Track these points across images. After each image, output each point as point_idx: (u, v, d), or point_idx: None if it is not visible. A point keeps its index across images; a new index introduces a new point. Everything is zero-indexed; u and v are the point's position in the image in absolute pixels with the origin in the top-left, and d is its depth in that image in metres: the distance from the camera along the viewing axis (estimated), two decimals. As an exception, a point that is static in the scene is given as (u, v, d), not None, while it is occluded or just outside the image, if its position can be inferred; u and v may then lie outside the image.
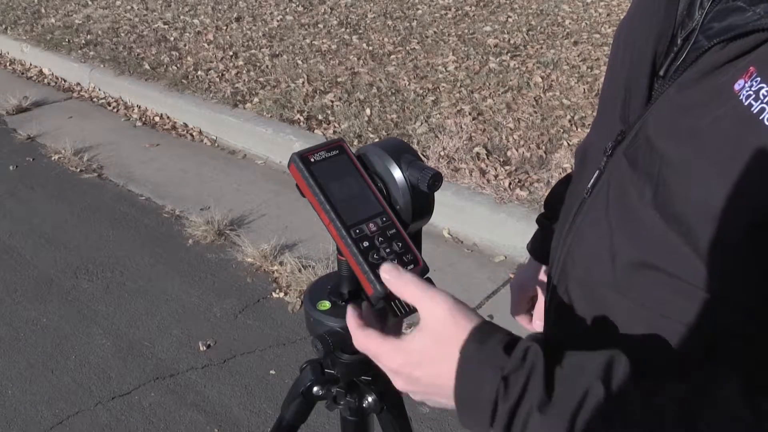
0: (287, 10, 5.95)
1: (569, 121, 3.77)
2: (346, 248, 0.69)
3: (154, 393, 2.35)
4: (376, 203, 0.72)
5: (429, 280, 0.72)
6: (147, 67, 4.93)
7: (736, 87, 0.57)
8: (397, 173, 0.74)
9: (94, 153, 4.11)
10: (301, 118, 4.04)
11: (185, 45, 5.30)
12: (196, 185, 3.73)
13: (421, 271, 0.71)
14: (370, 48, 5.01)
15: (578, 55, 4.63)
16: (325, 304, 0.83)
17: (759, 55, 0.57)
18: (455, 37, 5.12)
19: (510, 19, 5.43)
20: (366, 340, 0.66)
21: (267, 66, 4.83)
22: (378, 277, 0.68)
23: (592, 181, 0.75)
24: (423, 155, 3.50)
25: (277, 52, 5.05)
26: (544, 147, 3.52)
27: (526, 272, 1.12)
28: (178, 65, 4.93)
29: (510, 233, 2.95)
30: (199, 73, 4.77)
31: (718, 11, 0.64)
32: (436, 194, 0.76)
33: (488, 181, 3.23)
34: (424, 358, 0.62)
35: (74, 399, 2.33)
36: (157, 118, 4.56)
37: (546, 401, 0.56)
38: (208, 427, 2.21)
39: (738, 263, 0.60)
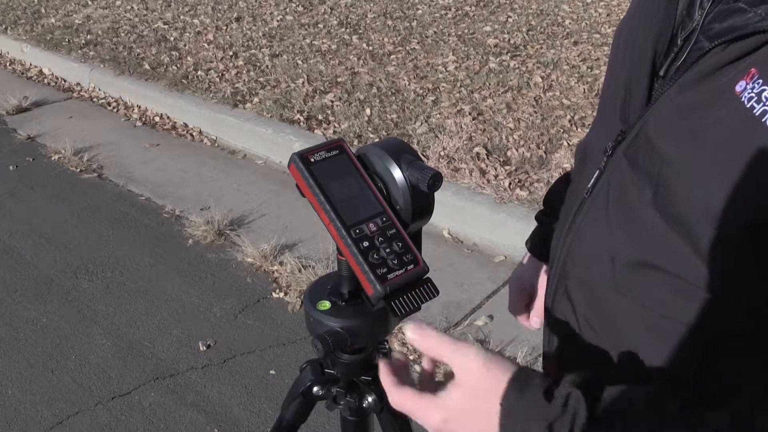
0: (287, 10, 5.95)
1: (569, 121, 3.77)
2: (346, 248, 0.69)
3: (154, 393, 2.35)
4: (376, 203, 0.72)
5: (429, 281, 0.72)
6: (147, 67, 4.93)
7: (738, 88, 0.57)
8: (397, 173, 0.74)
9: (94, 153, 4.11)
10: (301, 118, 4.04)
11: (185, 45, 5.30)
12: (196, 185, 3.73)
13: (421, 271, 0.71)
14: (370, 48, 5.01)
15: (578, 55, 4.63)
16: (325, 304, 0.82)
17: (760, 56, 0.57)
18: (455, 37, 5.12)
19: (510, 19, 5.43)
20: (401, 398, 0.65)
21: (267, 66, 4.83)
22: (378, 276, 0.68)
23: (592, 181, 0.75)
24: (423, 155, 3.50)
25: (277, 52, 5.05)
26: (544, 147, 3.52)
27: (524, 270, 1.12)
28: (178, 65, 4.93)
29: (510, 233, 2.95)
30: (199, 73, 4.77)
31: (718, 12, 0.64)
32: (436, 194, 0.76)
33: (488, 181, 3.23)
34: (464, 414, 0.62)
35: (74, 399, 2.33)
36: (157, 118, 4.56)
37: None
38: (208, 427, 2.21)
39: (738, 263, 0.60)
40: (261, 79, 4.61)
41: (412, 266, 0.70)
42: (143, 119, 4.57)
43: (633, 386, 0.60)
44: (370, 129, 3.86)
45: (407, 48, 4.97)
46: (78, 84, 5.15)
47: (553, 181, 3.23)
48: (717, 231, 0.59)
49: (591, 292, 0.74)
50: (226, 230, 3.24)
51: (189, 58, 5.03)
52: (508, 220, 3.00)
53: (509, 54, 4.75)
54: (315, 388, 0.97)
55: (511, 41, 4.98)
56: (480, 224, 3.10)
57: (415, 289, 0.70)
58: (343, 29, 5.42)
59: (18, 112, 4.69)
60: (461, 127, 3.73)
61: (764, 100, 0.54)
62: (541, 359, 0.98)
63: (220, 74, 4.73)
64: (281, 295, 2.80)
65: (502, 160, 3.41)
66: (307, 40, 5.22)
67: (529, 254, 1.11)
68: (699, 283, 0.62)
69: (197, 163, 3.97)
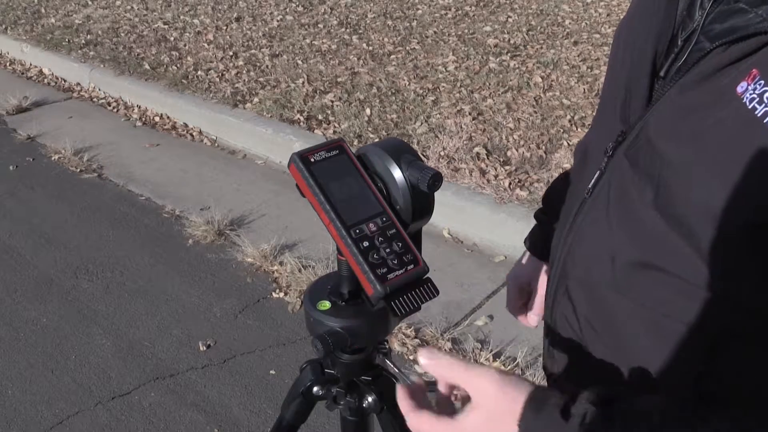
0: (287, 10, 5.95)
1: (569, 121, 3.77)
2: (346, 248, 0.69)
3: (154, 393, 2.35)
4: (376, 203, 0.72)
5: (429, 281, 0.72)
6: (147, 67, 4.93)
7: (739, 89, 0.57)
8: (397, 173, 0.74)
9: (94, 153, 4.11)
10: (301, 118, 4.04)
11: (185, 45, 5.30)
12: (196, 185, 3.73)
13: (421, 271, 0.71)
14: (370, 48, 5.01)
15: (578, 55, 4.63)
16: (325, 304, 0.82)
17: (762, 57, 0.56)
18: (455, 37, 5.12)
19: (510, 19, 5.43)
20: (419, 422, 0.65)
21: (267, 66, 4.83)
22: (378, 276, 0.68)
23: (592, 181, 0.75)
24: (423, 155, 3.50)
25: (277, 52, 5.05)
26: (544, 147, 3.52)
27: (522, 267, 1.12)
28: (178, 65, 4.93)
29: (510, 233, 2.95)
30: (199, 73, 4.77)
31: (719, 12, 0.64)
32: (436, 194, 0.76)
33: (488, 181, 3.23)
34: None
35: (74, 399, 2.33)
36: (157, 118, 4.56)
37: None
38: (208, 427, 2.21)
39: (739, 263, 0.60)
40: (261, 79, 4.61)
41: (412, 266, 0.70)
42: (143, 119, 4.57)
43: (651, 399, 0.59)
44: (370, 129, 3.86)
45: (407, 48, 4.97)
46: (78, 84, 5.15)
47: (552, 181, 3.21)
48: (718, 231, 0.59)
49: (591, 293, 0.74)
50: (226, 230, 3.24)
51: (189, 58, 5.03)
52: (508, 220, 3.00)
53: (509, 54, 4.75)
54: (315, 388, 0.97)
55: (511, 41, 4.98)
56: (480, 224, 3.10)
57: (415, 289, 0.70)
58: (343, 29, 5.42)
59: (18, 112, 4.69)
60: (461, 127, 3.73)
61: (766, 101, 0.54)
62: (541, 359, 0.98)
63: (220, 74, 4.73)
64: (281, 295, 2.80)
65: (502, 160, 3.41)
66: (307, 40, 5.22)
67: (527, 253, 1.11)
68: (700, 283, 0.62)
69: (197, 163, 3.97)
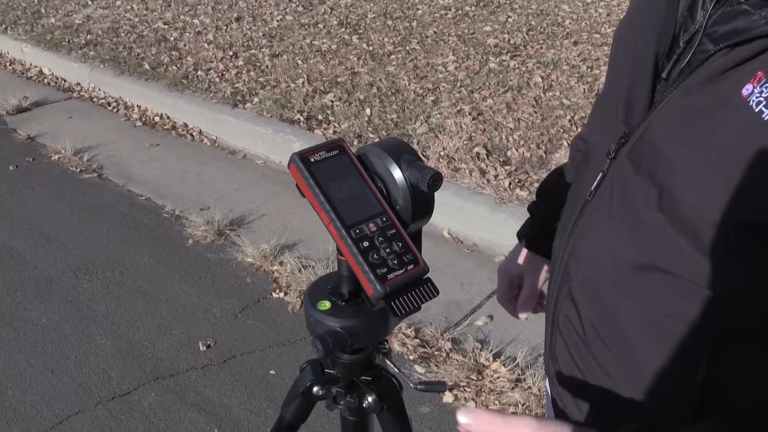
0: (287, 10, 5.95)
1: (569, 121, 3.77)
2: (346, 248, 0.69)
3: (154, 393, 2.35)
4: (376, 203, 0.72)
5: (429, 281, 0.72)
6: (147, 67, 4.93)
7: (744, 92, 0.56)
8: (397, 173, 0.74)
9: (94, 153, 4.11)
10: (301, 118, 4.04)
11: (185, 45, 5.30)
12: (196, 185, 3.73)
13: (421, 271, 0.71)
14: (370, 48, 5.01)
15: (578, 55, 4.63)
16: (325, 304, 0.82)
17: (767, 59, 0.56)
18: (455, 37, 5.12)
19: (510, 19, 5.43)
20: None
21: (267, 66, 4.83)
22: (378, 276, 0.68)
23: (595, 183, 0.75)
24: (423, 155, 3.50)
25: (277, 52, 5.05)
26: (544, 147, 3.52)
27: (513, 260, 1.11)
28: (178, 65, 4.93)
29: (510, 233, 2.93)
30: (199, 73, 4.77)
31: (722, 14, 0.63)
32: (436, 194, 0.76)
33: (488, 181, 3.23)
34: None
35: (74, 399, 2.33)
36: (157, 118, 4.56)
37: None
38: (208, 427, 2.21)
39: (744, 265, 0.60)
40: (261, 79, 4.61)
41: (412, 266, 0.70)
42: (143, 119, 4.57)
43: (693, 426, 0.59)
44: (370, 129, 3.86)
45: (407, 48, 4.97)
46: (78, 84, 5.15)
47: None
48: (723, 233, 0.58)
49: (595, 294, 0.74)
50: (226, 230, 3.24)
51: (189, 58, 5.03)
52: (508, 220, 3.00)
53: (509, 54, 4.74)
54: (315, 388, 0.97)
55: (511, 41, 4.98)
56: (480, 224, 3.10)
57: (415, 289, 0.70)
58: (343, 29, 5.42)
59: (18, 112, 4.69)
60: (461, 127, 3.73)
61: None
62: (541, 359, 0.98)
63: (220, 74, 4.73)
64: (281, 295, 2.80)
65: (502, 160, 3.41)
66: (307, 40, 5.22)
67: (518, 245, 1.10)
68: (703, 284, 0.61)
69: (197, 163, 3.97)
